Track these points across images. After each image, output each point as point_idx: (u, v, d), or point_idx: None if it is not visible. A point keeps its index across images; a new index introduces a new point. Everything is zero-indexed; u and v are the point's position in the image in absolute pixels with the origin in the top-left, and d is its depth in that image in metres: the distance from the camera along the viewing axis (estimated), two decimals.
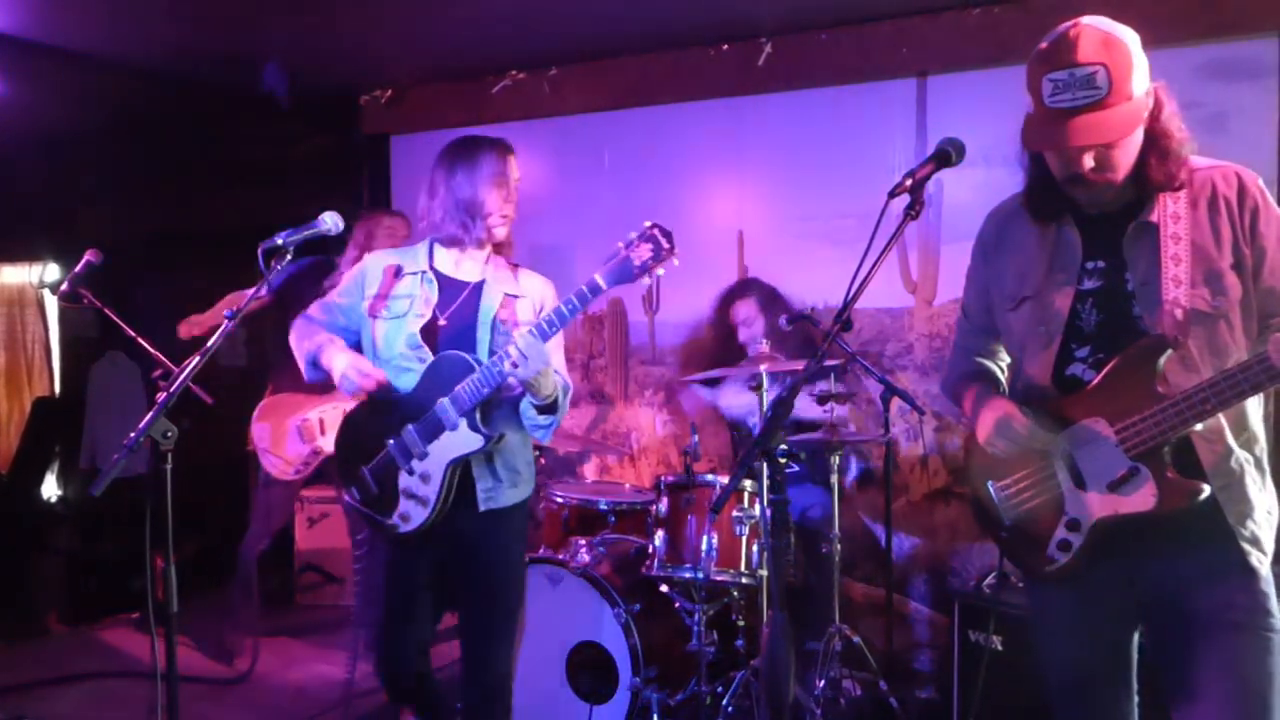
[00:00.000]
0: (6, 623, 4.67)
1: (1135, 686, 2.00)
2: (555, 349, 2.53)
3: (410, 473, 2.47)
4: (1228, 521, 1.81)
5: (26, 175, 3.65)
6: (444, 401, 2.39)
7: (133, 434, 1.96)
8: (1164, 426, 1.78)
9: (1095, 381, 1.89)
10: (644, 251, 2.28)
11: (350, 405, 2.72)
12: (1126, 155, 1.80)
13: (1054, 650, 2.09)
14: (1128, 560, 1.90)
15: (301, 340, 2.63)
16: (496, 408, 2.49)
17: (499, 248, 2.63)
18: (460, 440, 2.41)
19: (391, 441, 2.48)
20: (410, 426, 2.45)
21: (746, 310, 3.86)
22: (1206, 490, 1.78)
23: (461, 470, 2.46)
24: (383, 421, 2.50)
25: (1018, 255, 2.02)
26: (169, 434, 1.96)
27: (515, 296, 2.57)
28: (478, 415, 2.40)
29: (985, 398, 2.03)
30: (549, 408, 2.45)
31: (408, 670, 2.63)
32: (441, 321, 2.52)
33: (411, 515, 2.47)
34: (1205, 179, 1.85)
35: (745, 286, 3.99)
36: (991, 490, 2.07)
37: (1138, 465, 1.82)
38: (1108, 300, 1.90)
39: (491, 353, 2.46)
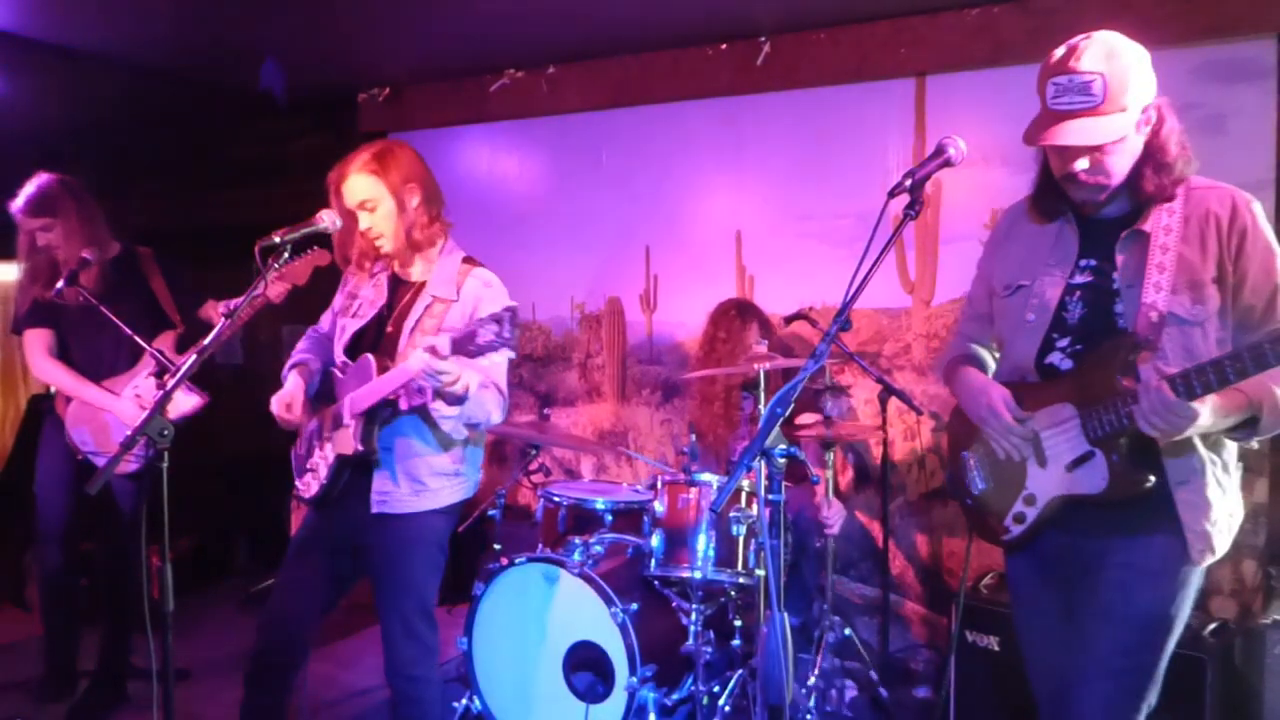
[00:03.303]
0: (2, 621, 4.66)
1: None
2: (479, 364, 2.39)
3: (320, 447, 2.56)
4: (1179, 516, 1.93)
5: (22, 171, 3.64)
6: (347, 398, 2.47)
7: (129, 432, 1.95)
8: (1123, 416, 1.90)
9: (1070, 370, 2.03)
10: (488, 333, 2.13)
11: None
12: (1120, 163, 1.93)
13: (1020, 618, 2.25)
14: (1075, 537, 2.05)
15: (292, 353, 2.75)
16: (389, 419, 2.48)
17: (423, 246, 2.55)
18: (343, 439, 2.47)
19: (321, 413, 2.59)
20: (330, 408, 2.55)
21: (753, 336, 3.80)
22: (1152, 481, 1.91)
23: (362, 467, 2.51)
24: (329, 392, 2.59)
25: (1020, 247, 2.17)
26: (165, 432, 1.96)
27: (449, 301, 2.51)
28: (363, 422, 2.44)
29: (978, 379, 2.19)
30: (457, 401, 2.36)
31: (280, 625, 2.55)
32: (389, 327, 2.55)
33: (311, 486, 2.58)
34: (1201, 197, 1.97)
35: (748, 310, 3.89)
36: (965, 459, 2.25)
37: (1094, 449, 1.97)
38: (1093, 296, 2.03)
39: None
